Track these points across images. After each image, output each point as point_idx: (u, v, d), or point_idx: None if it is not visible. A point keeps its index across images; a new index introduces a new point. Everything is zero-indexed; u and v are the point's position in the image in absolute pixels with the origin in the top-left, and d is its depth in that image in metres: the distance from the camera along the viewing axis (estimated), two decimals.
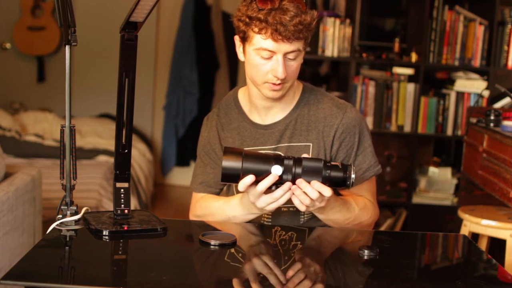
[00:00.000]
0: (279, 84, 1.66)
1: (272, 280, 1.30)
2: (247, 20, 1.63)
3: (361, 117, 1.79)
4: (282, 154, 1.60)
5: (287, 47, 1.62)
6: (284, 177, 1.50)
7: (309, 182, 1.50)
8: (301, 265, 1.39)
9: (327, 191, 1.50)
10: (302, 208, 1.53)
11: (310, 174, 1.50)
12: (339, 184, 1.52)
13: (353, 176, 1.51)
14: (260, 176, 1.50)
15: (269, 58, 1.64)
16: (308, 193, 1.50)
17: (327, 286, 1.31)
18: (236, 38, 1.72)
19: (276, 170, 1.50)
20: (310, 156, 1.55)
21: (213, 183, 1.83)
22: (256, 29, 1.62)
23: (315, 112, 1.77)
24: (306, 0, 1.65)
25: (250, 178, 1.50)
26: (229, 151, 1.51)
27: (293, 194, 1.52)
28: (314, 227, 1.72)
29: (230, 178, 1.52)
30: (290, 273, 1.34)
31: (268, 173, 1.50)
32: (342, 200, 1.69)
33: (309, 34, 1.66)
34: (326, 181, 1.50)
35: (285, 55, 1.63)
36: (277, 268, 1.37)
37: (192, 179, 1.88)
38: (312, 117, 1.77)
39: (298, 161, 1.51)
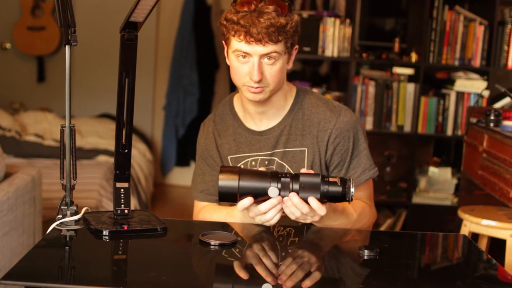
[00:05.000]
0: (257, 87, 1.66)
1: (272, 279, 1.30)
2: (226, 23, 1.65)
3: (355, 120, 1.77)
4: (279, 171, 1.59)
5: (261, 49, 1.61)
6: (282, 194, 1.50)
7: (306, 199, 1.49)
8: (301, 265, 1.39)
9: (322, 211, 1.51)
10: (292, 217, 1.54)
11: (308, 190, 1.49)
12: (338, 199, 1.51)
13: (352, 190, 1.50)
14: (257, 194, 1.50)
15: (246, 61, 1.64)
16: (299, 208, 1.50)
17: (327, 286, 1.31)
18: (224, 43, 1.73)
19: (273, 193, 1.49)
20: (307, 172, 1.53)
21: (213, 191, 1.82)
22: (232, 32, 1.63)
23: (309, 116, 1.76)
24: (289, 4, 1.64)
25: (248, 200, 1.51)
26: (225, 170, 1.51)
27: (284, 205, 1.51)
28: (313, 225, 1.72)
29: (228, 197, 1.52)
30: (289, 273, 1.34)
31: (264, 191, 1.50)
32: (341, 209, 1.68)
33: (288, 37, 1.64)
34: (325, 196, 1.50)
35: (261, 57, 1.63)
36: (277, 268, 1.37)
37: (193, 185, 1.88)
38: (306, 122, 1.76)
39: (295, 177, 1.50)
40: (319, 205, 1.50)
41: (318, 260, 1.46)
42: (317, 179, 1.50)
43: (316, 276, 1.35)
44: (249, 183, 1.50)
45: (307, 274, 1.34)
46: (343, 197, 1.50)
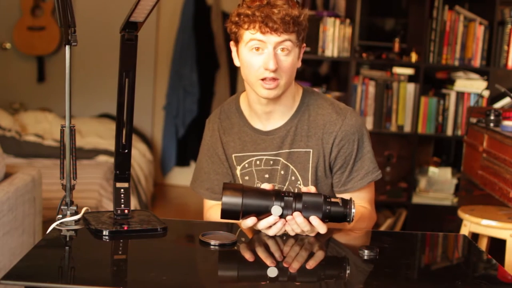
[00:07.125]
0: (272, 78, 1.65)
1: (270, 278, 1.30)
2: (237, 19, 1.66)
3: (360, 123, 1.78)
4: (282, 190, 1.59)
5: (276, 38, 1.63)
6: (285, 212, 1.50)
7: (308, 218, 1.50)
8: (300, 265, 1.39)
9: (323, 229, 1.51)
10: (292, 234, 1.55)
11: (310, 209, 1.50)
12: (339, 220, 1.52)
13: (353, 211, 1.51)
14: (260, 213, 1.50)
15: (260, 53, 1.65)
16: (301, 227, 1.51)
17: (327, 286, 1.31)
18: (232, 44, 1.73)
19: (276, 211, 1.49)
20: (308, 191, 1.54)
21: (218, 189, 1.83)
22: (245, 26, 1.64)
23: (315, 118, 1.77)
24: (297, 0, 1.66)
25: (251, 221, 1.51)
26: (228, 188, 1.50)
27: (286, 222, 1.52)
28: None
29: (230, 215, 1.51)
30: (289, 272, 1.34)
31: (268, 209, 1.50)
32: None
33: (300, 29, 1.66)
34: (326, 217, 1.51)
35: (275, 47, 1.64)
36: (276, 266, 1.37)
37: (197, 182, 1.89)
38: (312, 123, 1.77)
39: (298, 196, 1.50)
40: (320, 223, 1.51)
41: (319, 261, 1.46)
42: (320, 199, 1.50)
43: (316, 276, 1.35)
44: (252, 201, 1.49)
45: (308, 274, 1.34)
46: (344, 217, 1.52)
